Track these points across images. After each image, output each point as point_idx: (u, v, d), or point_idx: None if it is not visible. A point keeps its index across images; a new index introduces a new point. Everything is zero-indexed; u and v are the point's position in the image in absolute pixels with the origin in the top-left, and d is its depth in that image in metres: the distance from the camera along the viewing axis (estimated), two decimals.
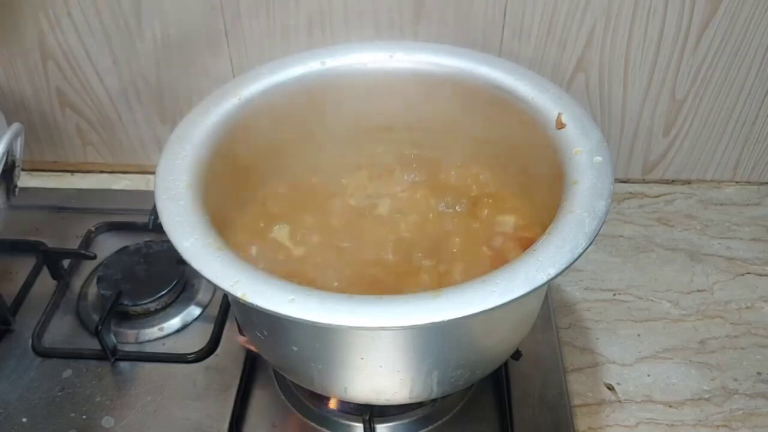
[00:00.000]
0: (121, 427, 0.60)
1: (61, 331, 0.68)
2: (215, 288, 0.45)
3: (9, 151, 0.60)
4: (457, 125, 0.64)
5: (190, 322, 0.68)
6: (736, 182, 0.84)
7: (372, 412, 0.57)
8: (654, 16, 0.70)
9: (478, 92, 0.60)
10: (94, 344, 0.64)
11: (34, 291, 0.71)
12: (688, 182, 0.84)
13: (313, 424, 0.60)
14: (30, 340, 0.66)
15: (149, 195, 0.50)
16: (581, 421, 0.60)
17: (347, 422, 0.60)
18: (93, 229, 0.77)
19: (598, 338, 0.67)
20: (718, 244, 0.76)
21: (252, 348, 0.62)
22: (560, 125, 0.54)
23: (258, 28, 0.73)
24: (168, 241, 0.46)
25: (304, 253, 0.58)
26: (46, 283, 0.72)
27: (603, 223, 0.46)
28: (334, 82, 0.62)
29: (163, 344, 0.66)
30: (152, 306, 0.68)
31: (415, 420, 0.59)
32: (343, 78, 0.62)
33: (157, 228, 0.49)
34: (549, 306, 0.68)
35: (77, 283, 0.72)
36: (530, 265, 0.44)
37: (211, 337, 0.66)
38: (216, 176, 0.54)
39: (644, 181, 0.84)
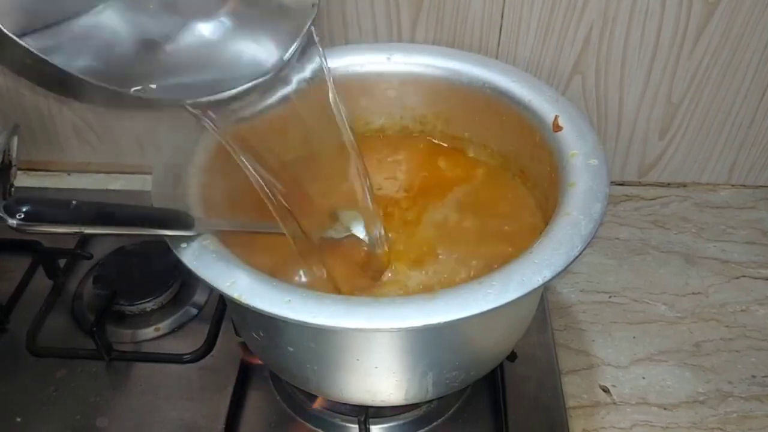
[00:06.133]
0: (115, 428, 0.60)
1: (56, 330, 0.68)
2: (211, 289, 0.45)
3: (5, 150, 0.60)
4: (454, 128, 0.64)
5: (186, 323, 0.68)
6: (732, 185, 0.84)
7: (367, 413, 0.57)
8: (651, 19, 0.70)
9: (475, 94, 0.60)
10: (89, 344, 0.64)
11: (29, 290, 0.71)
12: (684, 185, 0.84)
13: (308, 424, 0.60)
14: (25, 340, 0.66)
15: (146, 195, 0.50)
16: (576, 423, 0.60)
17: (342, 423, 0.60)
18: None
19: (593, 340, 0.67)
20: (714, 247, 0.76)
21: None
22: (557, 128, 0.55)
23: None
24: (164, 242, 0.47)
25: None
26: (41, 282, 0.71)
27: (599, 225, 0.46)
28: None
29: (159, 344, 0.66)
30: (148, 306, 0.68)
31: (411, 421, 0.59)
32: (341, 80, 0.62)
33: None
34: (544, 308, 0.68)
35: (73, 282, 0.72)
36: (526, 267, 0.44)
37: (207, 337, 0.66)
38: (212, 176, 0.54)
39: (640, 184, 0.84)
